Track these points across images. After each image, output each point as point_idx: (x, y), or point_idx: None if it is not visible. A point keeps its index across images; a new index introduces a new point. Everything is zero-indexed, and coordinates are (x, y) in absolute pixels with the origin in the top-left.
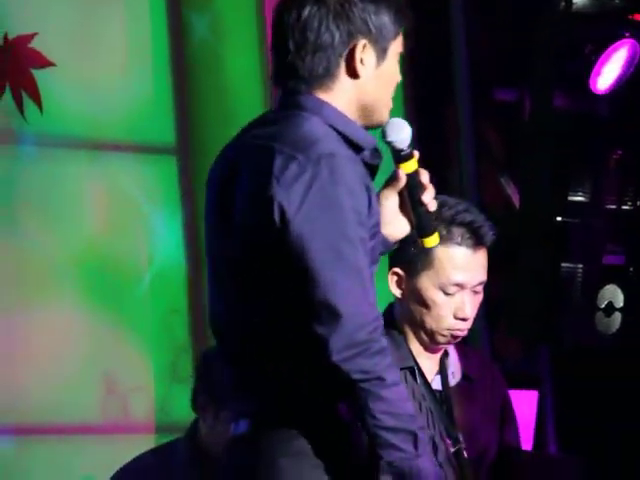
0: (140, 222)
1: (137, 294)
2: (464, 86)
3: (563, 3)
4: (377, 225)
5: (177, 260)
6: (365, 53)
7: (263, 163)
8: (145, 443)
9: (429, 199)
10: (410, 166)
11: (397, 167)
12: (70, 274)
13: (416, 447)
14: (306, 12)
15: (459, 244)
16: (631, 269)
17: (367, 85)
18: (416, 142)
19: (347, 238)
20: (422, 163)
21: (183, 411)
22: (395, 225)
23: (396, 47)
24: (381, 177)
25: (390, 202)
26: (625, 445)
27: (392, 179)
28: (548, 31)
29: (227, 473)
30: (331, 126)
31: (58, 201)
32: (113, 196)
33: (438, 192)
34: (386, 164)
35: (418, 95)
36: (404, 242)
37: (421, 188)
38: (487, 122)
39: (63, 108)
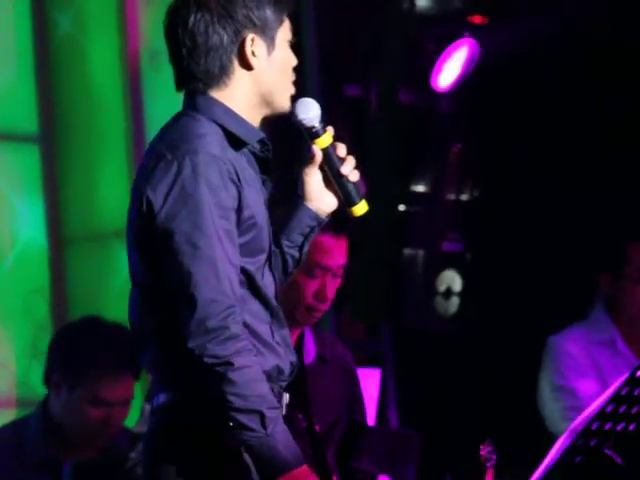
0: (3, 207)
1: (0, 275)
2: (315, 83)
3: (406, 3)
4: (254, 217)
5: (39, 242)
6: (255, 46)
7: (148, 163)
8: (6, 416)
9: (349, 170)
10: (324, 141)
11: (311, 144)
12: None
13: (264, 426)
14: (192, 19)
15: (324, 231)
16: (468, 255)
17: (262, 75)
18: (270, 141)
19: (203, 231)
20: (276, 161)
21: (41, 387)
22: (323, 200)
23: (283, 34)
24: None
25: (312, 178)
26: (458, 420)
27: (307, 156)
28: (392, 30)
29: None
30: (218, 124)
31: None
32: None
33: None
34: None
35: None
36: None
37: (339, 161)
38: (337, 117)
39: None
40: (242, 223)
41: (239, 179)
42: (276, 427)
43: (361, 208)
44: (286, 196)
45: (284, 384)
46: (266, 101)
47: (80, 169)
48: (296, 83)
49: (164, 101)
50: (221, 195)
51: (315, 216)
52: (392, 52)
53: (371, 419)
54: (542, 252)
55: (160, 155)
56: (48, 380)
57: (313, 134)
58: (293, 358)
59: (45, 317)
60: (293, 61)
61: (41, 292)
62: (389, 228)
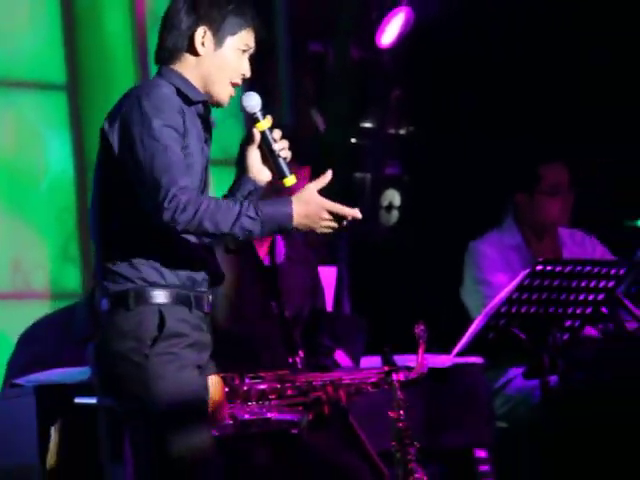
0: (38, 142)
1: (37, 196)
2: (285, 42)
3: None
4: (189, 148)
5: (66, 170)
6: (205, 38)
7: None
8: (43, 307)
9: (281, 149)
10: (262, 125)
11: (252, 127)
12: None
13: (252, 214)
14: (172, 6)
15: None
16: (406, 178)
17: (205, 62)
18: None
19: (153, 135)
20: None
21: (71, 284)
22: (260, 173)
23: (235, 43)
24: None
25: (253, 155)
26: (397, 306)
27: (249, 137)
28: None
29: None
30: (174, 85)
31: None
32: (18, 123)
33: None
34: None
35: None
36: None
37: (274, 142)
38: (303, 69)
39: None
40: (183, 144)
41: (184, 117)
42: (259, 209)
43: (290, 180)
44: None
45: (202, 290)
46: (205, 87)
47: (98, 111)
48: (250, 80)
49: None
50: (167, 114)
51: (254, 183)
52: (345, 17)
53: (329, 306)
54: (466, 175)
55: (129, 96)
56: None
57: (254, 119)
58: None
59: (73, 229)
60: (240, 68)
61: (69, 209)
62: (343, 156)
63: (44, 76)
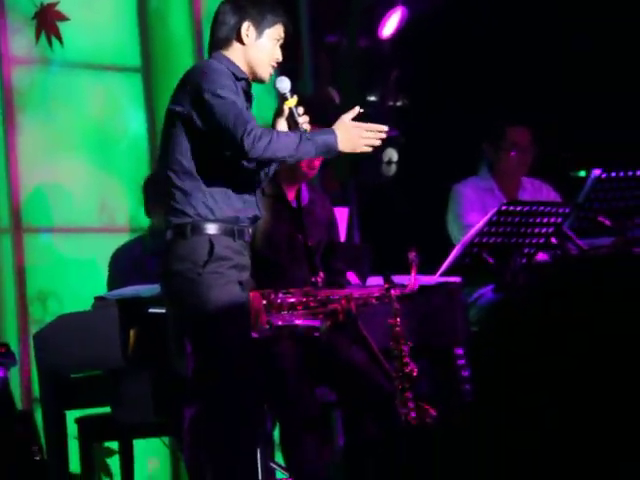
0: (119, 112)
1: (119, 153)
2: (307, 34)
3: None
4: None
5: (141, 133)
6: (248, 31)
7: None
8: (124, 239)
9: (303, 122)
10: (290, 103)
11: (282, 104)
12: (82, 142)
13: (315, 139)
14: (220, 8)
15: None
16: (402, 139)
17: (249, 50)
18: (279, 72)
19: (220, 94)
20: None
21: (145, 220)
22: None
23: (272, 34)
24: None
25: (282, 124)
26: (397, 237)
27: (279, 110)
28: (355, 2)
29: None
30: (224, 65)
31: (74, 100)
32: (104, 97)
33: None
34: None
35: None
36: None
37: (299, 116)
38: (321, 55)
39: (75, 43)
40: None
41: (235, 84)
42: (312, 136)
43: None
44: None
45: (243, 224)
46: (251, 68)
47: (165, 89)
48: (281, 65)
49: None
50: (225, 80)
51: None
52: (354, 14)
53: (342, 238)
54: (449, 136)
55: (190, 74)
56: (146, 210)
57: (284, 97)
58: (254, 213)
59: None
60: (275, 54)
61: (143, 163)
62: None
63: (123, 60)
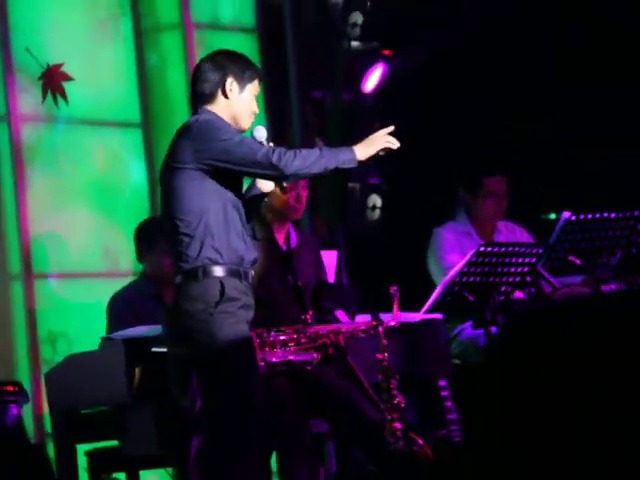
0: (121, 165)
1: (121, 202)
2: (295, 90)
3: (346, 43)
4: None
5: (142, 184)
6: (232, 86)
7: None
8: (128, 281)
9: None
10: None
11: None
12: (86, 192)
13: (336, 153)
14: (202, 65)
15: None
16: (385, 187)
17: (232, 103)
18: (270, 124)
19: (225, 138)
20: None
21: None
22: (264, 184)
23: (251, 88)
24: None
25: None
26: (382, 278)
27: None
28: (339, 59)
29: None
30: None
31: (79, 154)
32: (106, 151)
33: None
34: None
35: (269, 100)
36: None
37: None
38: (309, 109)
39: (79, 102)
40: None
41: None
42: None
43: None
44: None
45: (247, 266)
46: (233, 120)
47: (164, 141)
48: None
49: None
50: (226, 124)
51: (259, 190)
52: (338, 71)
53: (331, 278)
54: (428, 184)
55: (181, 133)
56: (138, 255)
57: (261, 145)
58: (254, 255)
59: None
60: (253, 106)
61: (144, 211)
62: (339, 171)
63: (124, 116)
